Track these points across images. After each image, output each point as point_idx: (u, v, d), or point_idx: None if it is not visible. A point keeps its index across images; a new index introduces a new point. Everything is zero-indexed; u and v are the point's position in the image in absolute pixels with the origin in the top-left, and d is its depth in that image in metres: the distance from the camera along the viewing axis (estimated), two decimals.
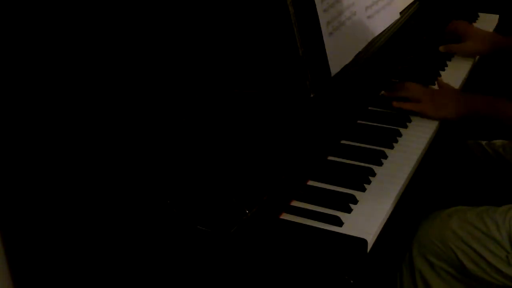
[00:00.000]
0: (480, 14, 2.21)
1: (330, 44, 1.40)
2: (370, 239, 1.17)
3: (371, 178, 1.34)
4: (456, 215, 1.45)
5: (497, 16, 2.19)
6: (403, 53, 1.81)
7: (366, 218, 1.23)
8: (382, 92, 1.68)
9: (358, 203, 1.27)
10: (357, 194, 1.29)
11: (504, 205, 1.43)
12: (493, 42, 1.86)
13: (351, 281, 1.07)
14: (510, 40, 1.84)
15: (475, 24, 2.14)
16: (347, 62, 1.47)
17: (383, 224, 1.23)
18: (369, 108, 1.61)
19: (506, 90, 1.70)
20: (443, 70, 1.81)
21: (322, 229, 1.19)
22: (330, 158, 1.41)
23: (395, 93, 1.61)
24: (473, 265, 1.38)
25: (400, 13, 1.76)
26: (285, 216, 1.23)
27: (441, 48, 1.90)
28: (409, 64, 1.82)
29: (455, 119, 1.56)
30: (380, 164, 1.39)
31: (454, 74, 1.80)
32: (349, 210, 1.24)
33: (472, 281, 1.41)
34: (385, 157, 1.41)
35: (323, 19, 1.38)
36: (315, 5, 1.36)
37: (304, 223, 1.21)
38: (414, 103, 1.57)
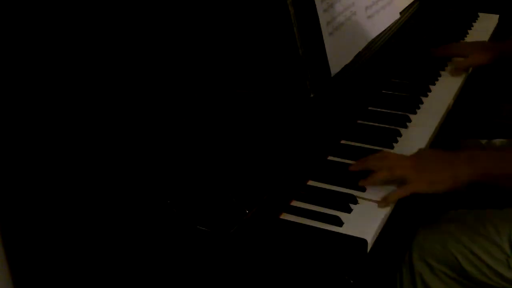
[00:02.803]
0: (480, 14, 2.21)
1: (330, 44, 1.40)
2: (370, 239, 1.17)
3: None
4: (456, 218, 1.44)
5: (497, 16, 2.19)
6: (403, 53, 1.81)
7: (366, 218, 1.23)
8: (383, 92, 1.68)
9: (358, 203, 1.27)
10: (357, 194, 1.29)
11: (504, 207, 1.43)
12: (493, 50, 1.80)
13: (351, 281, 1.07)
14: (508, 45, 1.81)
15: (475, 24, 2.14)
16: (347, 62, 1.47)
17: (383, 224, 1.23)
18: (369, 108, 1.61)
19: (505, 92, 1.69)
20: (443, 70, 1.81)
21: (322, 229, 1.19)
22: (330, 158, 1.41)
23: (371, 164, 1.31)
24: (473, 269, 1.38)
25: (400, 13, 1.76)
26: (285, 216, 1.23)
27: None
28: (407, 66, 1.81)
29: (460, 187, 1.27)
30: None
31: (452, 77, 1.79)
32: (349, 210, 1.24)
33: (472, 284, 1.40)
34: None
35: (323, 19, 1.38)
36: (315, 5, 1.36)
37: (304, 223, 1.21)
38: (405, 187, 1.26)
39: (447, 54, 1.82)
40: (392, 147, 1.44)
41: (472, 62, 1.79)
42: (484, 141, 1.80)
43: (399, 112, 1.57)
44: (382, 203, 1.25)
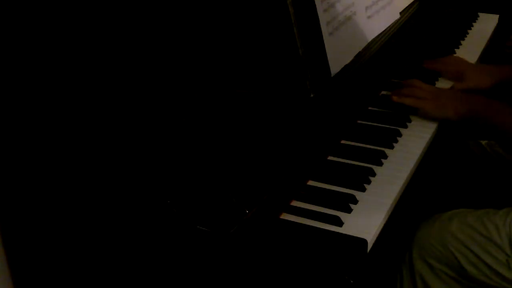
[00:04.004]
0: (480, 14, 2.21)
1: (330, 44, 1.40)
2: (370, 239, 1.17)
3: (371, 178, 1.34)
4: (456, 218, 1.44)
5: (497, 16, 2.19)
6: (403, 53, 1.81)
7: (366, 218, 1.23)
8: (383, 92, 1.68)
9: (358, 203, 1.27)
10: (357, 194, 1.29)
11: (505, 206, 1.43)
12: (494, 75, 1.74)
13: (351, 281, 1.07)
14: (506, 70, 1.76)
15: (475, 24, 2.14)
16: (347, 62, 1.47)
17: (383, 224, 1.23)
18: (369, 108, 1.61)
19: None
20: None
21: (322, 229, 1.19)
22: (330, 158, 1.41)
23: (399, 90, 1.60)
24: (473, 268, 1.38)
25: (400, 13, 1.76)
26: (285, 216, 1.23)
27: None
28: (407, 67, 1.80)
29: (455, 119, 1.53)
30: (380, 164, 1.39)
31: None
32: (349, 210, 1.24)
33: (472, 284, 1.41)
34: (385, 157, 1.41)
35: (323, 19, 1.38)
36: (315, 5, 1.36)
37: (304, 223, 1.21)
38: (415, 99, 1.55)
39: (438, 70, 1.76)
40: (392, 147, 1.44)
41: (470, 86, 1.71)
42: (484, 142, 1.80)
43: (399, 112, 1.57)
44: (399, 99, 1.57)
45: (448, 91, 1.63)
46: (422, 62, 1.81)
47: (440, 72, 1.75)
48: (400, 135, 1.49)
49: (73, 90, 1.28)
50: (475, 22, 2.16)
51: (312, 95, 1.33)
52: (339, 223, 1.21)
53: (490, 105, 1.52)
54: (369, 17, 1.59)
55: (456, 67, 1.74)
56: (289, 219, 1.23)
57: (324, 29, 1.38)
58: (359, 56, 1.52)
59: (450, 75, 1.73)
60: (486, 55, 1.97)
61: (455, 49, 1.94)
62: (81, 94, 1.28)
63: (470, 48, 1.95)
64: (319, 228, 1.20)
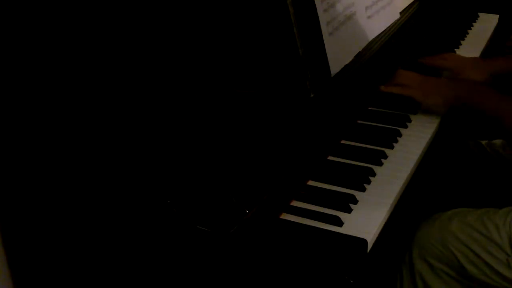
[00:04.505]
0: (480, 14, 2.21)
1: (330, 44, 1.40)
2: (370, 239, 1.17)
3: (371, 178, 1.34)
4: (456, 217, 1.44)
5: (497, 16, 2.19)
6: (403, 53, 1.81)
7: (366, 218, 1.23)
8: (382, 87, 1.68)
9: (358, 203, 1.27)
10: (357, 194, 1.29)
11: (505, 206, 1.43)
12: (485, 68, 1.73)
13: (351, 281, 1.07)
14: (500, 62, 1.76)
15: (475, 24, 2.14)
16: (347, 62, 1.47)
17: (383, 224, 1.23)
18: (369, 108, 1.61)
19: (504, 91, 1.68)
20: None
21: (322, 229, 1.19)
22: (330, 158, 1.41)
23: (389, 81, 1.60)
24: (473, 268, 1.38)
25: (400, 13, 1.76)
26: (285, 216, 1.23)
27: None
28: (407, 67, 1.80)
29: (442, 107, 1.53)
30: (380, 164, 1.39)
31: None
32: (349, 210, 1.24)
33: (472, 284, 1.41)
34: (385, 157, 1.41)
35: (323, 19, 1.38)
36: (315, 5, 1.36)
37: (304, 223, 1.21)
38: (402, 87, 1.56)
39: (436, 66, 1.75)
40: (392, 147, 1.44)
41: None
42: (484, 142, 1.80)
43: (399, 112, 1.57)
44: (386, 88, 1.58)
45: (434, 78, 1.63)
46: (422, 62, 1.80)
47: (439, 68, 1.74)
48: (400, 135, 1.49)
49: (74, 90, 1.28)
50: (475, 22, 2.16)
51: (312, 95, 1.33)
52: (339, 223, 1.21)
53: (478, 91, 1.51)
54: (369, 17, 1.59)
55: (453, 64, 1.73)
56: (289, 219, 1.23)
57: (324, 29, 1.38)
58: (359, 56, 1.52)
59: (448, 71, 1.73)
60: (486, 55, 1.97)
61: (455, 49, 1.94)
62: (81, 94, 1.28)
63: (470, 48, 1.95)
64: (319, 228, 1.20)
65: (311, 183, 1.33)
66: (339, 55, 1.43)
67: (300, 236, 1.18)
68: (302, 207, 1.26)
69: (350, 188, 1.30)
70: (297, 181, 1.31)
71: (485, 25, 2.13)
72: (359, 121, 1.55)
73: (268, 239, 1.16)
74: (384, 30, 1.65)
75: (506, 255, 1.35)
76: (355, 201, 1.27)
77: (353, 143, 1.46)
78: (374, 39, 1.59)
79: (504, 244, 1.36)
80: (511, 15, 2.21)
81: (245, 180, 1.16)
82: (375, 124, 1.54)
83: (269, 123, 1.27)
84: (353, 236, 1.17)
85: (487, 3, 2.23)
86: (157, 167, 1.18)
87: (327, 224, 1.21)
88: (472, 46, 1.97)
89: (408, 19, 1.79)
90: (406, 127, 1.53)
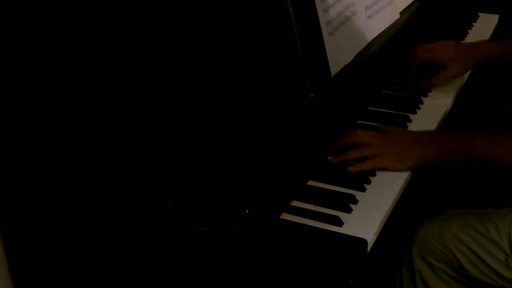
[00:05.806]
0: (480, 14, 2.21)
1: (330, 44, 1.40)
2: (370, 239, 1.17)
3: (371, 178, 1.34)
4: (456, 217, 1.44)
5: (497, 16, 2.19)
6: (403, 53, 1.81)
7: (366, 218, 1.23)
8: (383, 91, 1.68)
9: (358, 203, 1.27)
10: (357, 194, 1.29)
11: (505, 206, 1.43)
12: (468, 59, 1.68)
13: (351, 281, 1.07)
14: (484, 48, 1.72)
15: (475, 24, 2.14)
16: (347, 62, 1.47)
17: (383, 224, 1.23)
18: (369, 108, 1.61)
19: (504, 91, 1.68)
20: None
21: (322, 229, 1.19)
22: (330, 158, 1.41)
23: (350, 153, 1.37)
24: (473, 268, 1.38)
25: (400, 13, 1.76)
26: (285, 216, 1.23)
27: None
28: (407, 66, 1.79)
29: (421, 165, 1.36)
30: None
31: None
32: (349, 210, 1.24)
33: (472, 283, 1.41)
34: None
35: (323, 19, 1.38)
36: (315, 5, 1.36)
37: (304, 223, 1.21)
38: (372, 160, 1.34)
39: (421, 62, 1.70)
40: None
41: (455, 73, 1.68)
42: None
43: (399, 112, 1.58)
44: (355, 168, 1.33)
45: (400, 133, 1.43)
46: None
47: (429, 60, 1.70)
48: None
49: (74, 90, 1.28)
50: (475, 22, 2.16)
51: (312, 95, 1.33)
52: (339, 223, 1.21)
53: (455, 139, 1.36)
54: (369, 17, 1.59)
55: (439, 56, 1.68)
56: (289, 219, 1.23)
57: (324, 29, 1.38)
58: (359, 56, 1.52)
59: (437, 62, 1.68)
60: None
61: None
62: (81, 94, 1.28)
63: None
64: (319, 228, 1.20)
65: (311, 183, 1.33)
66: (339, 55, 1.43)
67: (300, 236, 1.18)
68: (302, 207, 1.26)
69: (350, 188, 1.30)
70: (297, 181, 1.31)
71: (485, 25, 2.13)
72: (359, 121, 1.55)
73: (268, 239, 1.16)
74: (384, 30, 1.65)
75: (505, 255, 1.35)
76: (355, 201, 1.27)
77: None
78: (374, 39, 1.59)
79: (504, 244, 1.36)
80: (511, 15, 2.21)
81: (245, 180, 1.16)
82: (375, 124, 1.54)
83: (269, 123, 1.27)
84: (353, 236, 1.17)
85: (487, 3, 2.23)
86: (157, 167, 1.18)
87: (327, 224, 1.21)
88: None
89: (408, 19, 1.79)
90: (406, 127, 1.53)
